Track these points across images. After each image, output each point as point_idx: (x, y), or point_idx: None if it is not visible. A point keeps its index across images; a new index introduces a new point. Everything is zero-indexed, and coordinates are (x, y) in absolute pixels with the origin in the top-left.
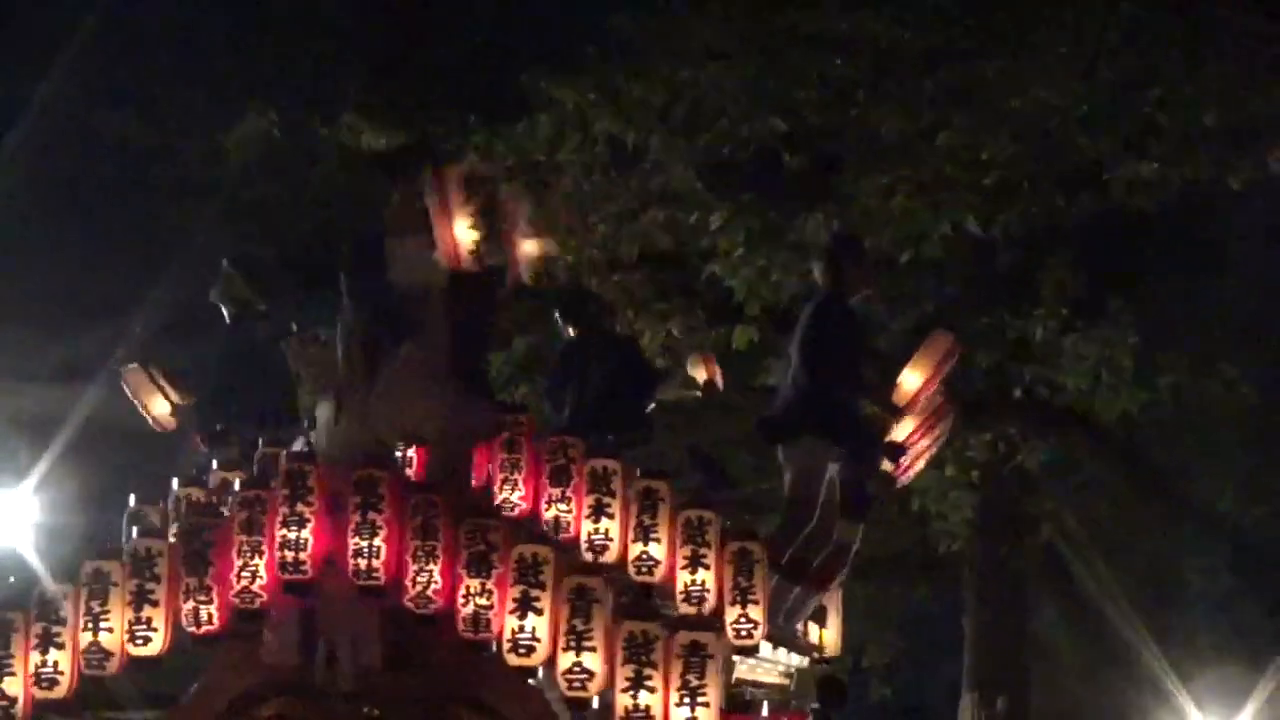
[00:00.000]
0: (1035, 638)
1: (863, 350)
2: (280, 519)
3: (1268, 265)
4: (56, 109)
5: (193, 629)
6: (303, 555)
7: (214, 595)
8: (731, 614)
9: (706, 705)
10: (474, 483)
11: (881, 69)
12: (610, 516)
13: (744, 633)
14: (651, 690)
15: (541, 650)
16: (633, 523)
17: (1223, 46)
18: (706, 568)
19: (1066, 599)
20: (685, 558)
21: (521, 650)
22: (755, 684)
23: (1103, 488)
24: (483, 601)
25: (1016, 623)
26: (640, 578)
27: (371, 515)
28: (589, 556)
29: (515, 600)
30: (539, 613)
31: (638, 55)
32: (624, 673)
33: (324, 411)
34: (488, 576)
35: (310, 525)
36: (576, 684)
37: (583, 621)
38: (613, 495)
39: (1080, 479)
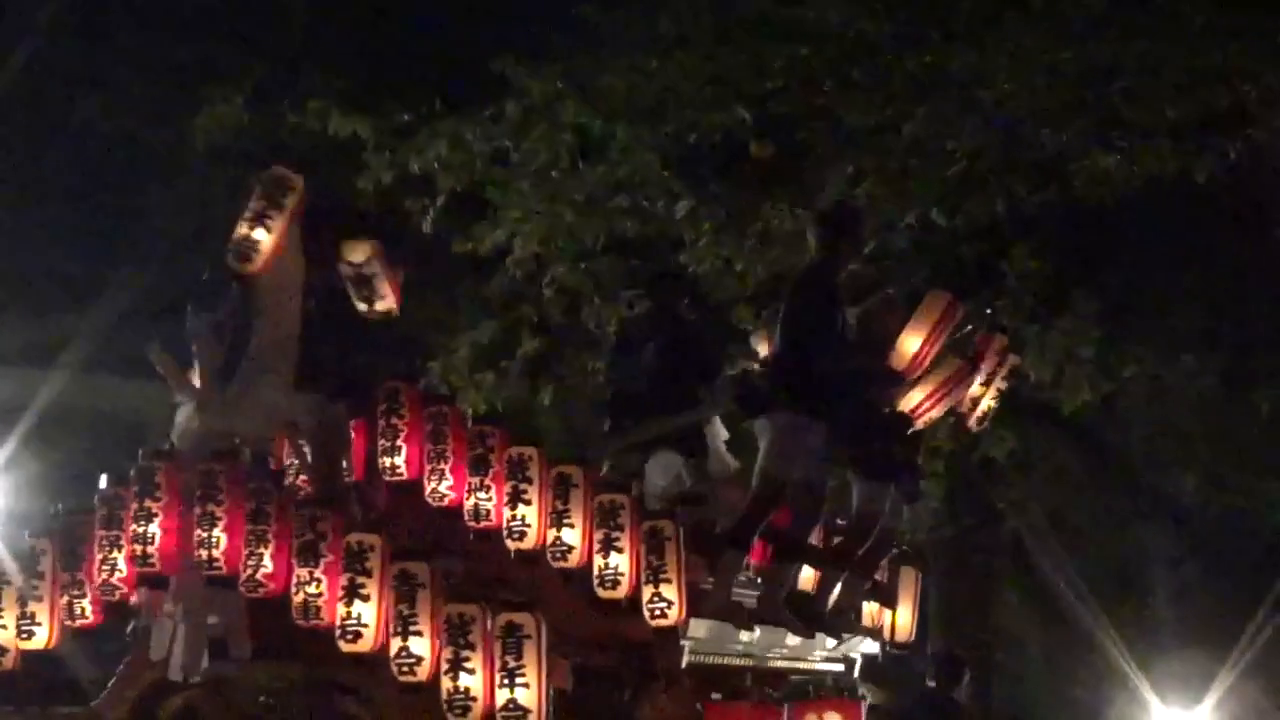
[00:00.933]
0: (1000, 628)
1: (843, 322)
2: (131, 514)
3: (1230, 257)
4: (21, 95)
5: (69, 622)
6: (151, 549)
7: (86, 590)
8: (646, 593)
9: (526, 686)
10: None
11: (847, 59)
12: (528, 503)
13: (658, 612)
14: (470, 672)
15: (369, 636)
16: (548, 509)
17: (1186, 40)
18: (620, 551)
19: (1032, 589)
20: (600, 541)
21: (349, 637)
22: (809, 671)
23: (1068, 478)
24: (312, 590)
25: (981, 613)
26: (556, 563)
27: (210, 507)
28: (509, 543)
29: (343, 588)
30: (365, 600)
31: (605, 44)
32: (445, 655)
33: (183, 411)
34: (316, 565)
35: (158, 520)
36: (405, 669)
37: (408, 607)
38: (529, 482)
39: (1046, 469)
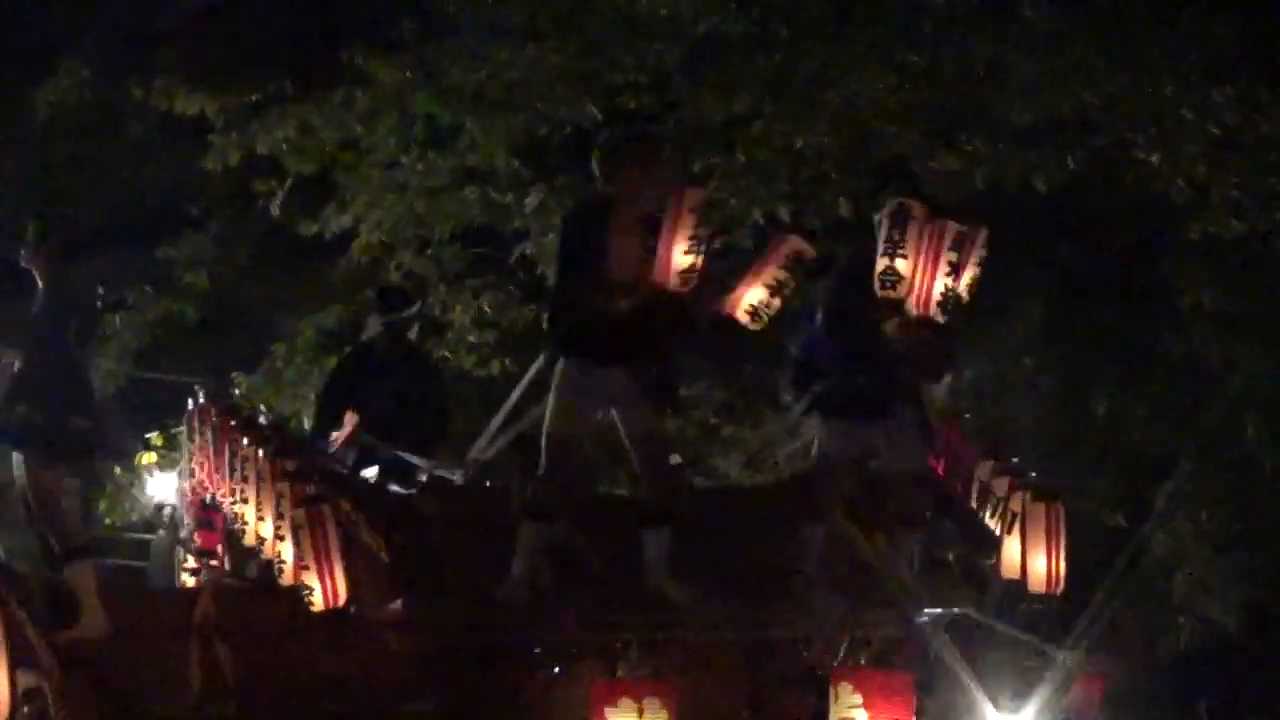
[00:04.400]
0: None
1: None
2: None
3: (1070, 260)
4: None
5: None
6: None
7: None
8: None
9: None
10: None
11: (698, 56)
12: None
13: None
14: None
15: None
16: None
17: (1031, 44)
18: (281, 539)
19: None
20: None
21: None
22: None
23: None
24: None
25: None
26: None
27: None
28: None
29: None
30: None
31: (457, 34)
32: None
33: None
34: None
35: None
36: None
37: None
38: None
39: None
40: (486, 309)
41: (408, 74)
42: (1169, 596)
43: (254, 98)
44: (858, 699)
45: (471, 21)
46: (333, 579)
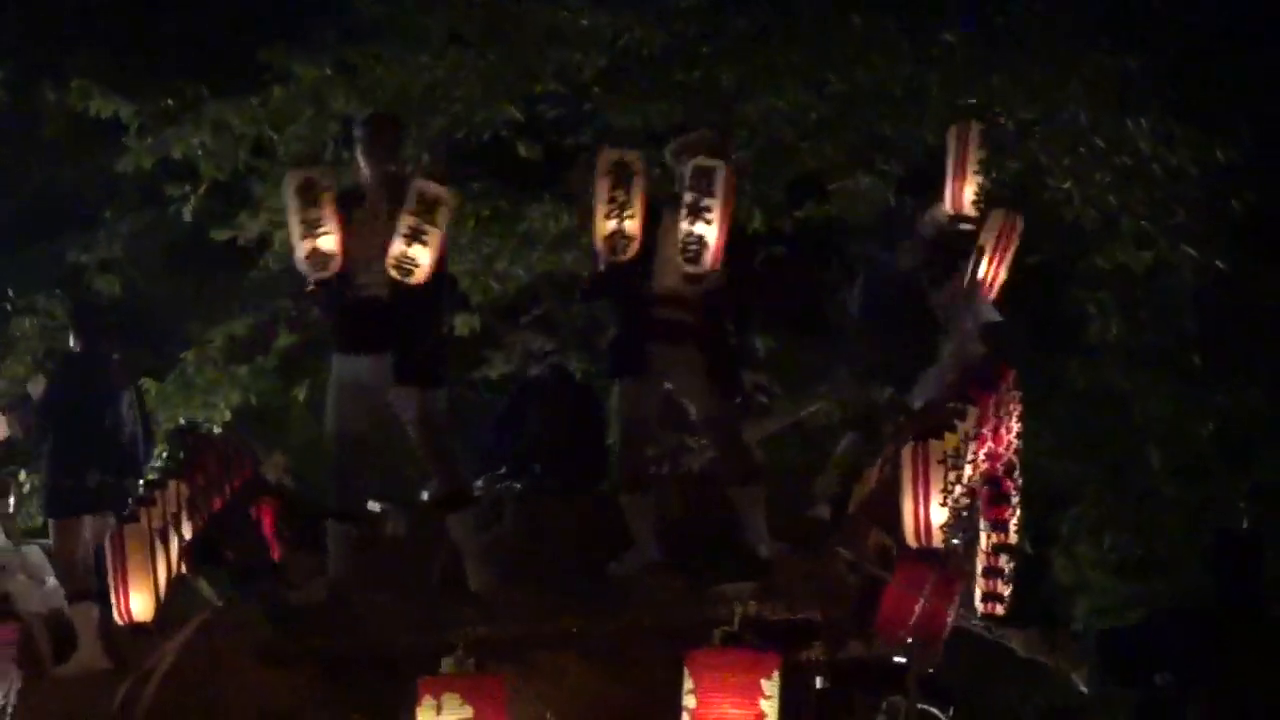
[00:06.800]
0: None
1: None
2: None
3: None
4: None
5: None
6: None
7: None
8: None
9: None
10: None
11: (617, 66)
12: None
13: None
14: None
15: None
16: None
17: (948, 69)
18: None
19: None
20: None
21: None
22: None
23: None
24: None
25: None
26: None
27: None
28: None
29: None
30: None
31: (378, 36)
32: None
33: None
34: None
35: None
36: None
37: None
38: None
39: None
40: None
41: (327, 71)
42: (1071, 621)
43: (170, 101)
44: (692, 684)
45: (394, 24)
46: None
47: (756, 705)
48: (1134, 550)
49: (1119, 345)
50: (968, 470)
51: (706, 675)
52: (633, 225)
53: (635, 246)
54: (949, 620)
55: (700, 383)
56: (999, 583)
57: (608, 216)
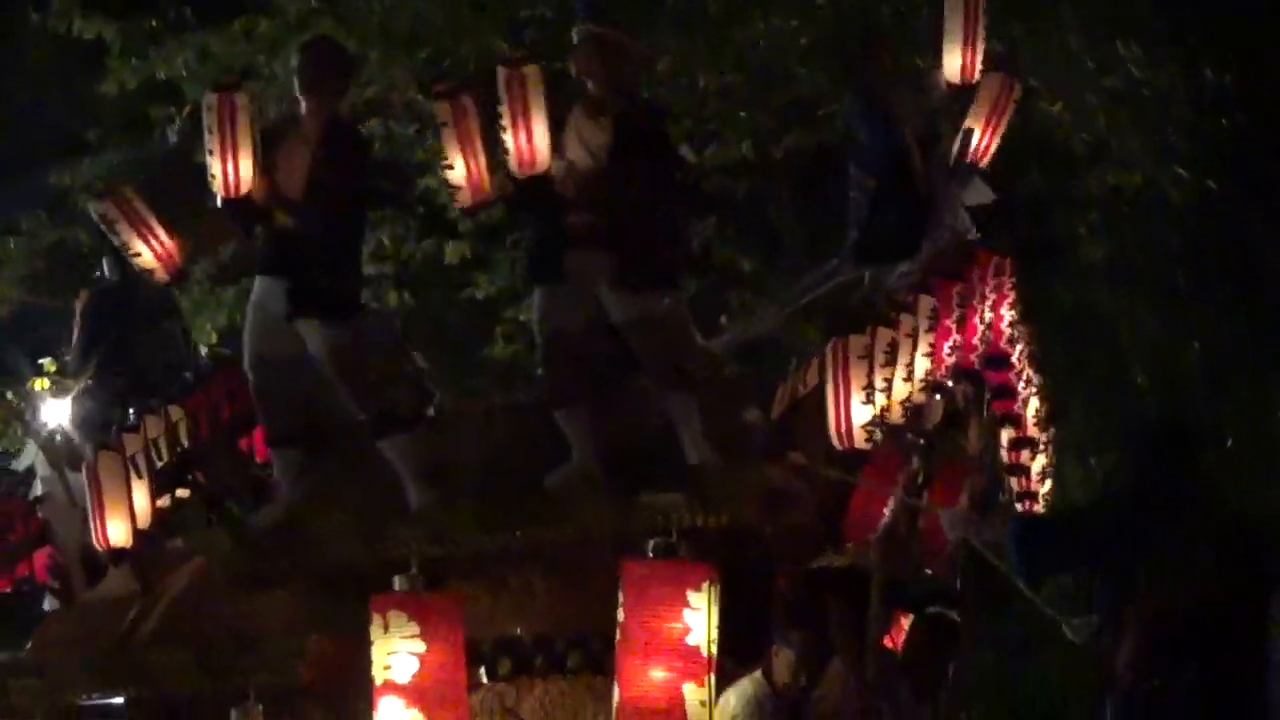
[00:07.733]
0: None
1: None
2: None
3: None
4: None
5: None
6: None
7: None
8: None
9: None
10: None
11: None
12: None
13: None
14: None
15: None
16: None
17: None
18: None
19: None
20: None
21: None
22: None
23: None
24: None
25: None
26: None
27: None
28: None
29: None
30: None
31: None
32: None
33: None
34: None
35: None
36: None
37: None
38: None
39: None
40: (385, 241)
41: (313, 2)
42: None
43: (153, 23)
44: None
45: None
46: None
47: (680, 618)
48: (1119, 470)
49: (1106, 266)
50: (922, 364)
51: (633, 587)
52: (541, 136)
53: (543, 157)
54: (885, 516)
55: (614, 286)
56: (1028, 480)
57: (514, 128)
